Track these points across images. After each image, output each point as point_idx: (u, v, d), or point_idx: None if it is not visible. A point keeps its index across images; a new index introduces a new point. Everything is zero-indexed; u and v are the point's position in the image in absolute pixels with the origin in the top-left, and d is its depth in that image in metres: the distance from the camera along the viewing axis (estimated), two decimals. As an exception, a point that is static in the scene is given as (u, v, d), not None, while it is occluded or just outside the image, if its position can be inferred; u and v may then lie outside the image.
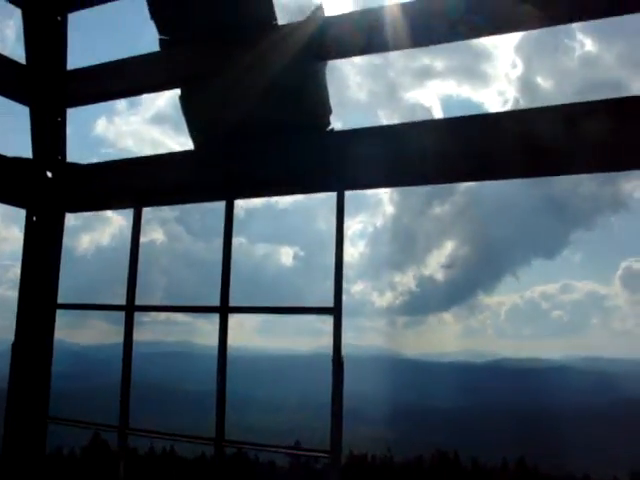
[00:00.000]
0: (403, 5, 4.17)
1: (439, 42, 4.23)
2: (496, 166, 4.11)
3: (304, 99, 4.43)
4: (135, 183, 5.21)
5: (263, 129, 4.59)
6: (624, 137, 3.62)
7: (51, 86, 5.18)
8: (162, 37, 4.73)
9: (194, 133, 4.86)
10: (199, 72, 4.64)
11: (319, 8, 4.44)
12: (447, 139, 4.10)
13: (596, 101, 3.77)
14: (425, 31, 4.16)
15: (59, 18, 4.99)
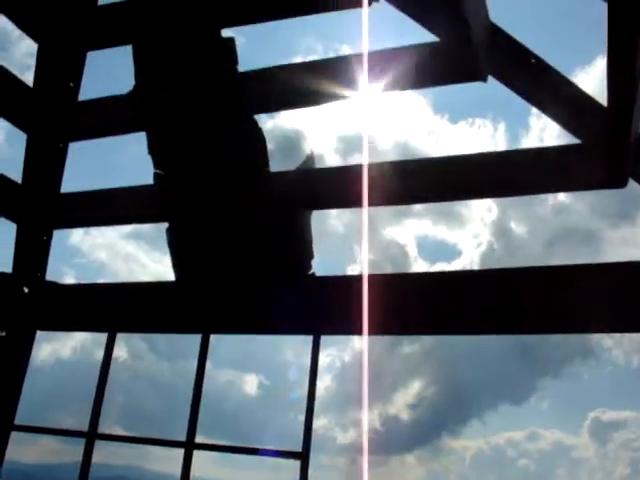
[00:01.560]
0: (390, 164, 4.43)
1: (419, 202, 4.46)
2: (474, 322, 4.17)
3: (288, 245, 4.58)
4: (112, 308, 5.23)
5: (245, 269, 4.70)
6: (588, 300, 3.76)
7: (42, 207, 5.30)
8: (157, 171, 4.93)
9: (177, 266, 4.97)
10: (189, 208, 4.81)
11: (310, 158, 4.69)
12: (428, 292, 4.22)
13: (572, 265, 3.94)
14: (405, 190, 4.38)
15: (61, 145, 5.20)
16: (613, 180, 3.73)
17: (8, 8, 4.73)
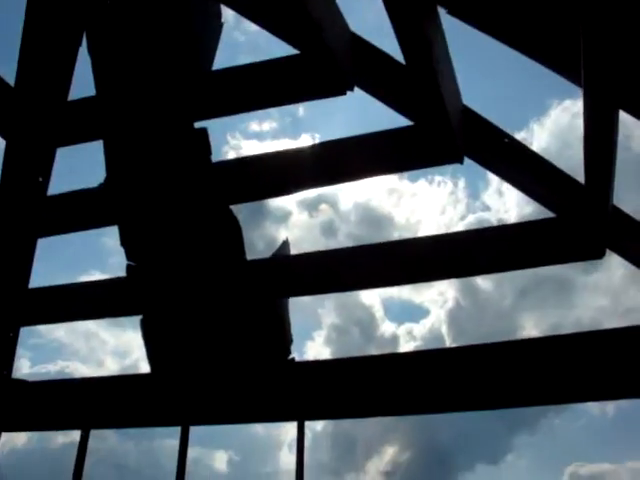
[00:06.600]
0: (365, 246, 4.50)
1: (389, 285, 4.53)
2: (460, 397, 4.12)
3: (267, 331, 4.56)
4: (84, 404, 5.07)
5: (224, 358, 4.65)
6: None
7: (10, 304, 5.17)
8: (129, 263, 4.88)
9: (152, 357, 4.87)
10: (164, 299, 4.76)
11: (285, 243, 4.73)
12: (412, 371, 4.19)
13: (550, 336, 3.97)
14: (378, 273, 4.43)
15: (31, 239, 5.12)
16: (591, 252, 3.79)
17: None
